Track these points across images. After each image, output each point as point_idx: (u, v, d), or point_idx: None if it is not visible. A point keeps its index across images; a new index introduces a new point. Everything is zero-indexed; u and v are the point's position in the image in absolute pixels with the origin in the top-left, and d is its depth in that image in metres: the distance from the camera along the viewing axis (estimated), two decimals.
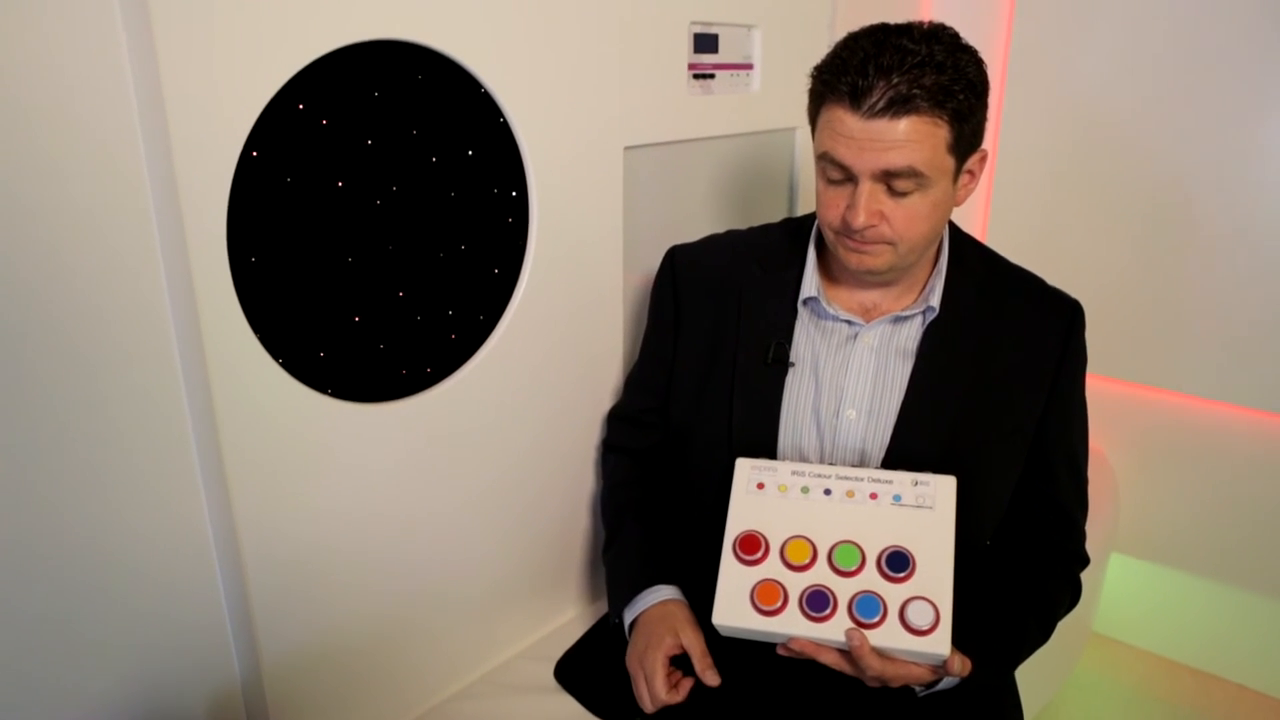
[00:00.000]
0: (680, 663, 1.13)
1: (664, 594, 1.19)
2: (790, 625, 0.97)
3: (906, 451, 1.08)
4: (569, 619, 1.50)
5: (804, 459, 1.12)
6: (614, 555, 1.29)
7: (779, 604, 0.98)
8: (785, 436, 1.13)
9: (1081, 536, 1.18)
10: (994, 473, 1.12)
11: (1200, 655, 2.10)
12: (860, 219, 0.99)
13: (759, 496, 1.02)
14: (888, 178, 0.98)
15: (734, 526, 1.03)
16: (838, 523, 1.00)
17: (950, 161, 1.00)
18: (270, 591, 1.06)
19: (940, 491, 1.00)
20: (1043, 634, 1.13)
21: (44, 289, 0.83)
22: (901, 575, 0.97)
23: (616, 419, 1.37)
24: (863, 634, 0.95)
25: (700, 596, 1.04)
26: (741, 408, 1.13)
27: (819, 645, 0.97)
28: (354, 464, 1.11)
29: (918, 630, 0.94)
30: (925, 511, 0.99)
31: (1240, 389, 1.84)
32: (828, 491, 1.02)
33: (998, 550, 1.15)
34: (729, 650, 1.10)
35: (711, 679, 1.08)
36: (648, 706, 1.10)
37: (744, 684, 1.13)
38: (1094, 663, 2.10)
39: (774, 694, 1.13)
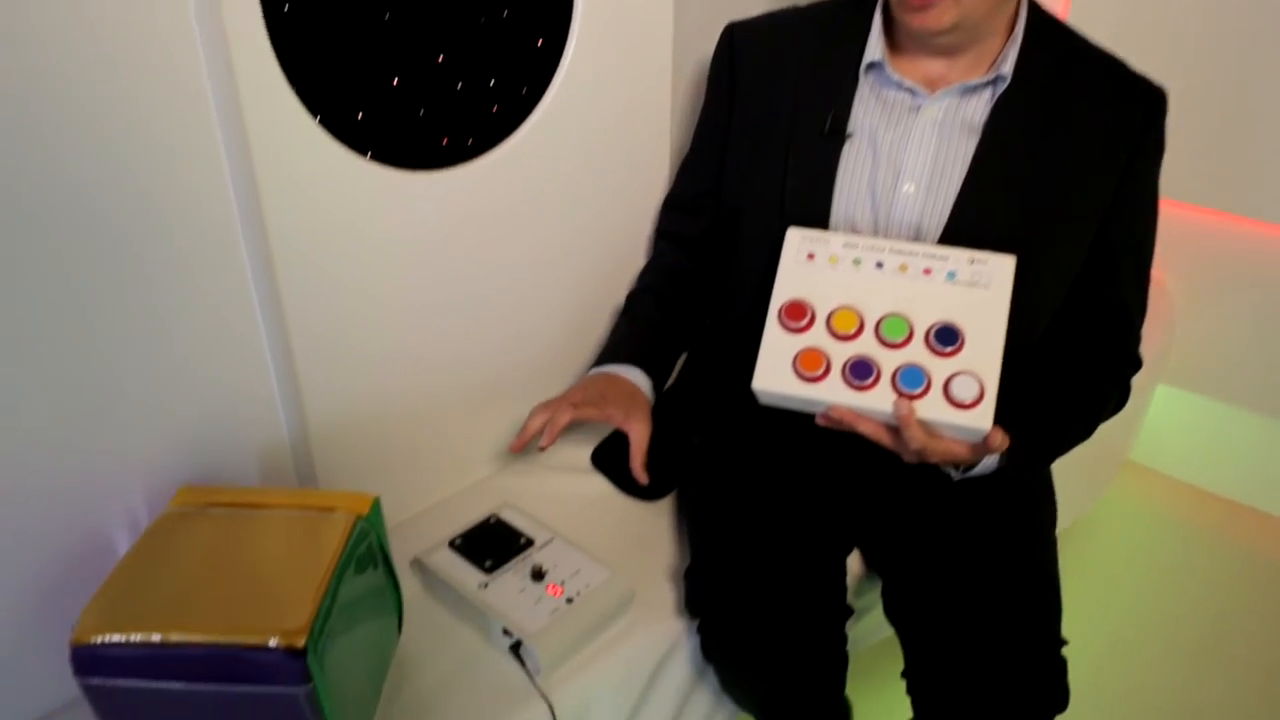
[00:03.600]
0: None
1: (638, 378, 1.24)
2: (831, 393, 0.96)
3: (965, 231, 1.05)
4: None
5: (856, 234, 1.09)
6: (625, 320, 1.33)
7: (821, 371, 0.97)
8: (838, 210, 1.09)
9: (1137, 339, 1.15)
10: (1055, 261, 1.08)
11: (1235, 486, 2.09)
12: None
13: (808, 266, 1.00)
14: None
15: (781, 294, 1.00)
16: (888, 295, 0.97)
17: None
18: (315, 355, 1.08)
19: (998, 270, 0.97)
20: (1085, 431, 1.12)
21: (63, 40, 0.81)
22: (949, 350, 0.95)
23: (669, 207, 1.35)
24: (910, 404, 0.94)
25: (742, 369, 1.02)
26: (795, 179, 1.09)
27: (858, 415, 0.97)
28: (394, 232, 1.10)
29: (961, 404, 0.93)
30: (980, 290, 0.96)
31: None
32: (880, 265, 0.99)
33: (1050, 343, 1.12)
34: (765, 423, 1.10)
35: (641, 476, 1.17)
36: (529, 430, 1.15)
37: (777, 460, 1.14)
38: (1127, 489, 2.11)
39: (807, 472, 1.14)
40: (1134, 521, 2.05)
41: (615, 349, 1.28)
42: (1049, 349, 1.12)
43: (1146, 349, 1.16)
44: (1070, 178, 1.05)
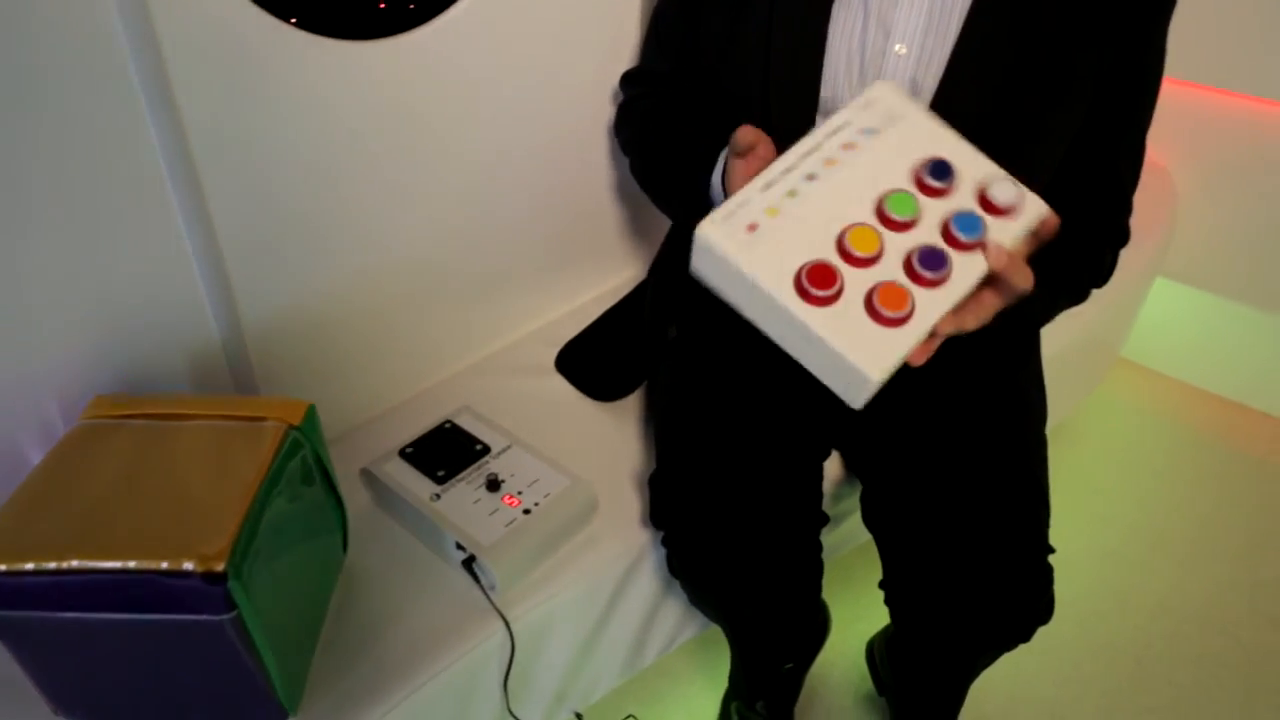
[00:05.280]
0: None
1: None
2: (935, 306, 0.78)
3: (958, 95, 0.94)
4: (583, 302, 1.43)
5: (839, 104, 0.98)
6: (662, 151, 1.10)
7: (908, 307, 0.77)
8: (827, 76, 0.98)
9: (1128, 210, 1.06)
10: (1055, 121, 0.98)
11: (1228, 384, 2.04)
12: None
13: (758, 237, 0.82)
14: None
15: (779, 282, 0.77)
16: (854, 191, 0.83)
17: None
18: (244, 248, 0.98)
19: (890, 97, 0.83)
20: (1072, 299, 1.04)
21: None
22: (946, 183, 0.81)
23: (630, 80, 1.22)
24: (999, 247, 0.80)
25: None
26: (781, 41, 0.97)
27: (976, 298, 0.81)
28: (329, 111, 0.99)
29: (1011, 207, 0.80)
30: (901, 121, 0.83)
31: None
32: (811, 176, 0.84)
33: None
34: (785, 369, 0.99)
35: None
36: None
37: (756, 359, 1.05)
38: (1119, 386, 2.05)
39: (787, 372, 1.06)
40: (1122, 420, 2.00)
41: (706, 153, 1.01)
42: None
43: (1145, 240, 1.07)
44: (1071, 31, 0.95)
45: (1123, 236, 1.06)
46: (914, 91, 0.97)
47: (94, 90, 0.83)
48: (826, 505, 1.12)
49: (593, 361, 1.28)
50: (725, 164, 0.94)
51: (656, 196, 1.15)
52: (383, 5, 1.00)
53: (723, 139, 0.95)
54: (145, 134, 0.88)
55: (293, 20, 0.93)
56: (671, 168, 1.07)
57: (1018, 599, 0.97)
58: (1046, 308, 1.02)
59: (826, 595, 1.23)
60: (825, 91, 0.99)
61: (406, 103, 1.05)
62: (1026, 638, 1.01)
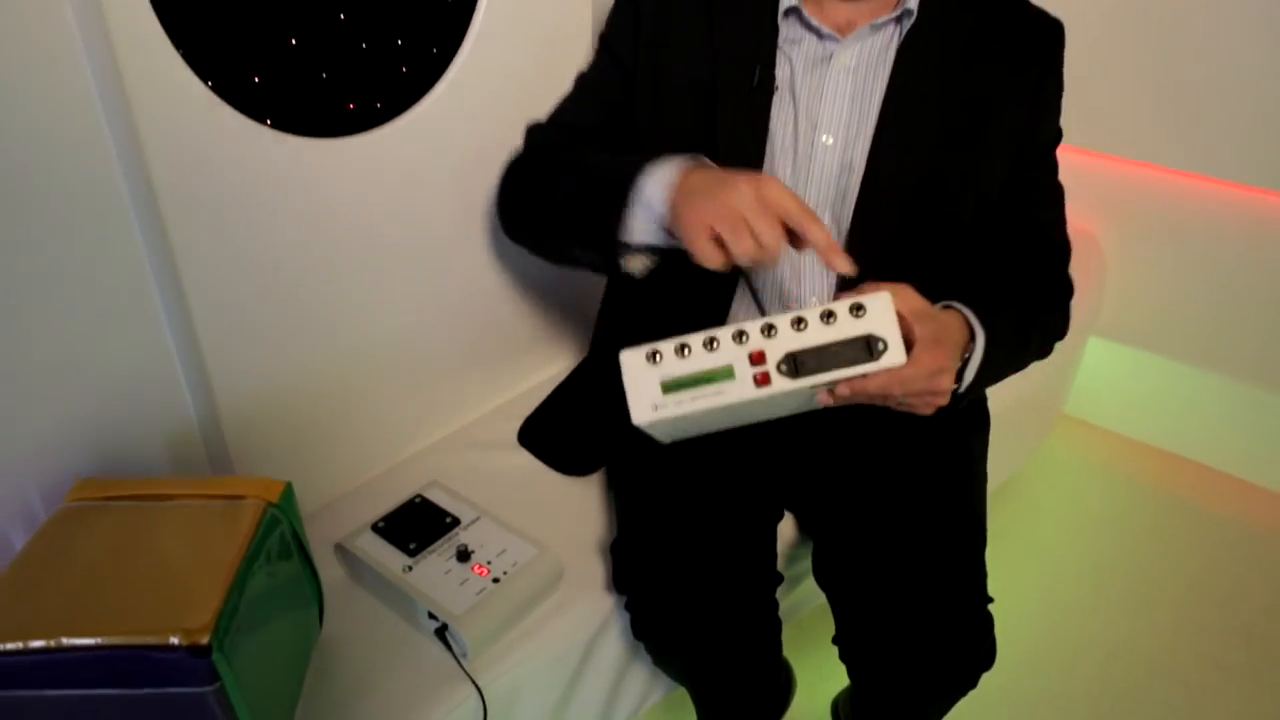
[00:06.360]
0: None
1: (685, 162, 0.95)
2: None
3: (882, 173, 1.03)
4: (543, 379, 1.48)
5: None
6: (576, 182, 1.04)
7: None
8: (767, 166, 1.06)
9: (1067, 262, 1.14)
10: (971, 195, 1.07)
11: (1168, 437, 2.13)
12: None
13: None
14: None
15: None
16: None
17: None
18: (220, 333, 1.02)
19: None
20: (1039, 353, 1.11)
21: None
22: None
23: (542, 130, 1.18)
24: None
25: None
26: (728, 134, 1.05)
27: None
28: (301, 203, 1.04)
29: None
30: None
31: (1237, 165, 1.76)
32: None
33: (987, 278, 1.10)
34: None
35: (844, 265, 0.88)
36: (751, 251, 0.86)
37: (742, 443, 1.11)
38: (1062, 442, 2.14)
39: (736, 440, 1.11)
40: (1070, 474, 2.07)
41: (630, 166, 0.96)
42: (986, 284, 1.10)
43: (1078, 301, 1.15)
44: (981, 109, 1.05)
45: (1069, 286, 1.13)
46: (844, 172, 1.05)
47: (82, 191, 0.88)
48: (782, 566, 1.17)
49: (553, 435, 1.33)
50: (676, 194, 0.92)
51: (560, 228, 1.07)
52: (351, 106, 1.07)
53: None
54: (130, 231, 0.93)
55: (268, 121, 1.00)
56: (592, 181, 1.01)
57: (960, 647, 1.02)
58: (1017, 366, 1.08)
59: (791, 656, 1.27)
60: None
61: (374, 193, 1.11)
62: (973, 684, 1.06)
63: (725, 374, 0.86)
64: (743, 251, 0.85)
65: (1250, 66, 1.68)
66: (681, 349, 0.87)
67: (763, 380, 0.86)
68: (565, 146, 1.12)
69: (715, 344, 0.87)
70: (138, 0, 0.84)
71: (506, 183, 1.15)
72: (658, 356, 0.87)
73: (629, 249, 0.97)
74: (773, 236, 0.85)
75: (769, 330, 0.86)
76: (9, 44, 0.79)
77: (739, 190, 0.86)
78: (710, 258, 0.87)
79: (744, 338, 0.86)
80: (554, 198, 1.07)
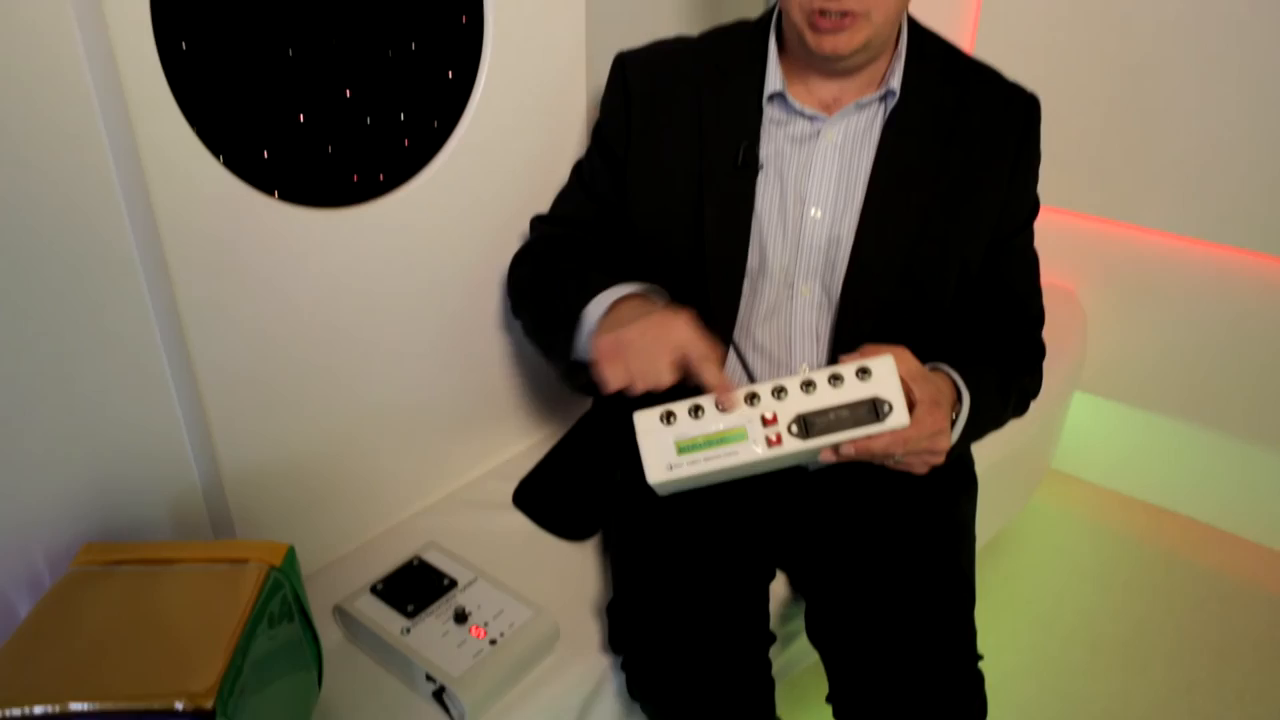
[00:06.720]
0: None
1: (634, 288, 1.04)
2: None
3: (870, 244, 1.07)
4: (535, 441, 1.51)
5: (771, 262, 1.10)
6: (549, 295, 1.13)
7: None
8: (755, 241, 1.10)
9: (1039, 326, 1.19)
10: (954, 264, 1.12)
11: (1155, 491, 2.15)
12: None
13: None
14: None
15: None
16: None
17: None
18: (226, 399, 1.05)
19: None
20: (1017, 410, 1.16)
21: None
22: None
23: (546, 221, 1.28)
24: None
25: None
26: (714, 213, 1.10)
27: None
28: (306, 271, 1.08)
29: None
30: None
31: (1215, 225, 1.82)
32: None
33: (962, 343, 1.15)
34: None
35: (730, 402, 0.92)
36: (644, 385, 0.93)
37: (699, 491, 1.13)
38: (1050, 497, 2.16)
39: (729, 501, 1.14)
40: (1058, 528, 2.09)
41: (584, 288, 1.06)
42: (966, 346, 1.14)
43: (1061, 357, 1.20)
44: (962, 185, 1.10)
45: (1041, 350, 1.19)
46: (832, 245, 1.10)
47: (96, 261, 0.91)
48: (775, 625, 1.19)
49: (547, 497, 1.35)
50: (604, 321, 1.01)
51: (540, 329, 1.18)
52: (355, 178, 1.11)
53: (617, 277, 1.05)
54: (141, 298, 0.96)
55: (275, 193, 1.03)
56: (557, 296, 1.10)
57: (951, 704, 1.04)
58: (997, 424, 1.13)
59: (784, 715, 1.27)
60: (753, 257, 1.11)
61: (376, 261, 1.15)
62: None
63: (738, 435, 0.91)
64: (636, 380, 0.93)
65: (1225, 130, 1.74)
66: (695, 410, 0.92)
67: (775, 441, 0.90)
68: (561, 242, 1.22)
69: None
70: (155, 79, 0.88)
71: (510, 275, 1.26)
72: (671, 418, 0.92)
73: (581, 366, 1.06)
74: (658, 373, 0.92)
75: (779, 393, 0.91)
76: (30, 120, 0.83)
77: (649, 327, 0.94)
78: (608, 380, 0.95)
79: (755, 400, 0.91)
80: (530, 316, 1.21)
